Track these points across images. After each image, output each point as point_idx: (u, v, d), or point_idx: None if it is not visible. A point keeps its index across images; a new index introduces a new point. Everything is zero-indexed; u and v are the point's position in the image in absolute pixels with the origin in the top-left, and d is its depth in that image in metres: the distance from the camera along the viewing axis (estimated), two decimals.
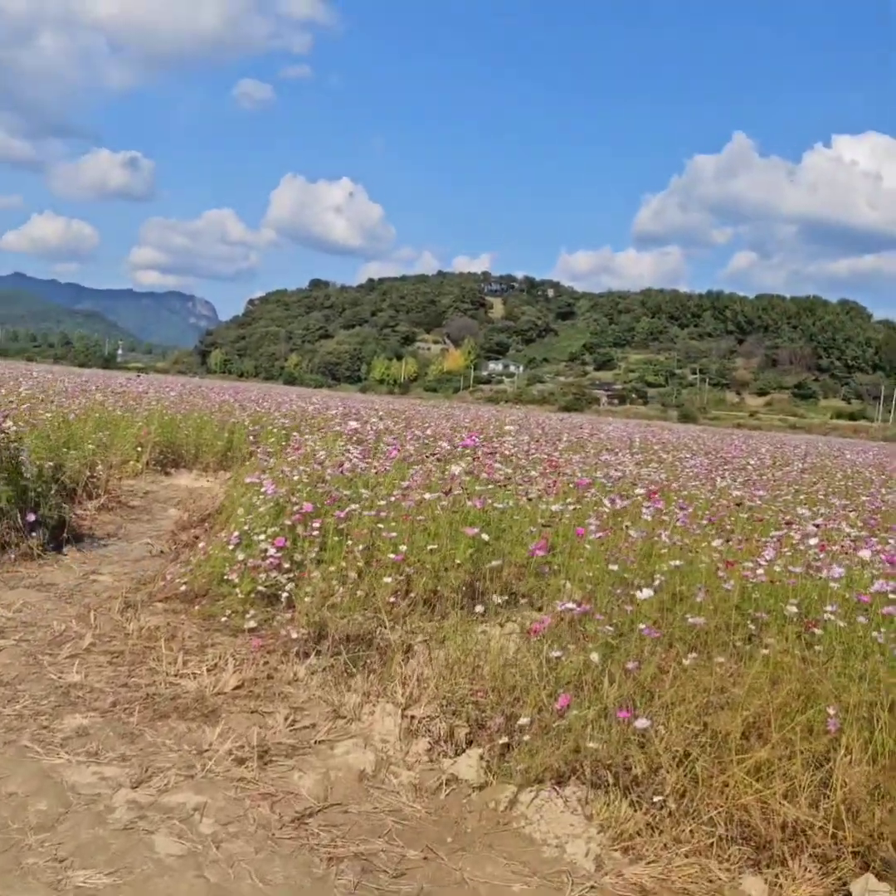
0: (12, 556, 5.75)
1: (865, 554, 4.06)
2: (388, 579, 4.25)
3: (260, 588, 4.51)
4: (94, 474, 8.52)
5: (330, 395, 39.95)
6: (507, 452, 8.52)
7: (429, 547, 4.55)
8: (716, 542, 4.32)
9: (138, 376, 29.50)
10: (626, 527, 4.72)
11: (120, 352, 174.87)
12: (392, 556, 4.43)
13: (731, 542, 5.16)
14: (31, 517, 5.89)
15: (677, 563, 4.00)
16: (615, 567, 4.01)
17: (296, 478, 5.24)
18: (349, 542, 4.57)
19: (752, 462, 11.83)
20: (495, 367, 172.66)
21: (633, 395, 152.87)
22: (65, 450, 8.27)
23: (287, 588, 4.44)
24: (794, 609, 3.76)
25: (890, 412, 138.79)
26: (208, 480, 11.25)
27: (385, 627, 4.39)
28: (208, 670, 3.82)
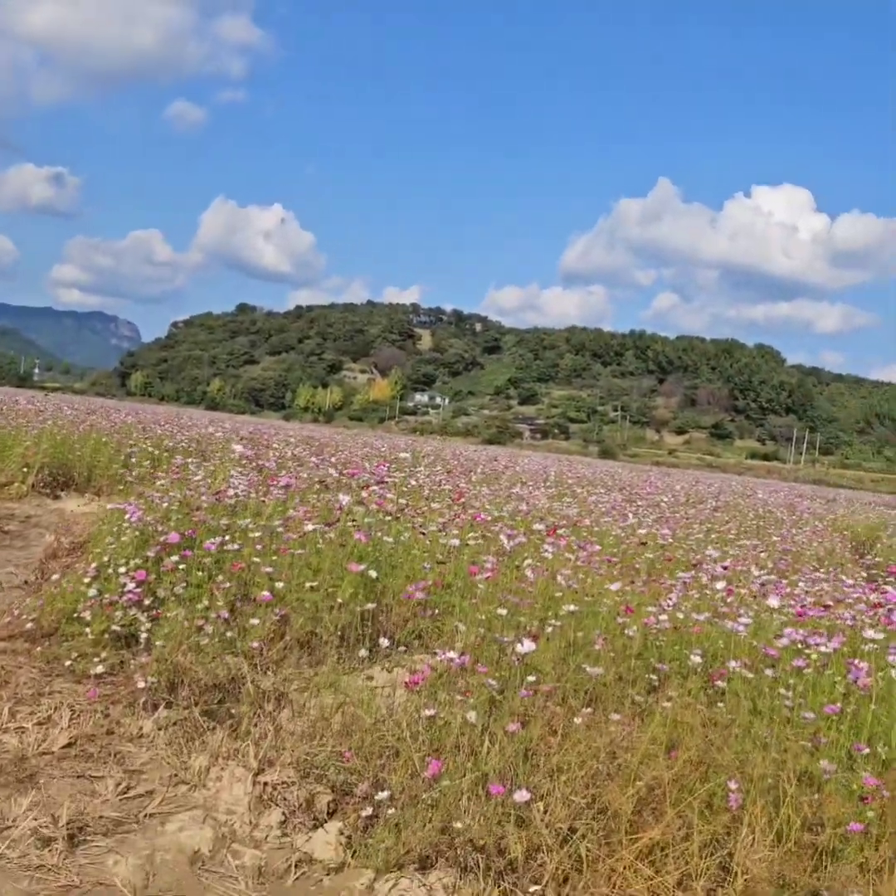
0: None
1: (773, 601, 3.78)
2: (255, 620, 3.80)
3: (115, 627, 4.01)
4: None
5: (250, 422, 39.10)
6: (413, 484, 8.16)
7: (308, 584, 4.12)
8: (614, 585, 3.99)
9: (46, 395, 28.25)
10: (521, 566, 4.37)
11: (36, 370, 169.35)
12: (264, 593, 3.99)
13: (635, 583, 4.85)
14: None
15: (573, 607, 3.65)
16: (504, 611, 3.64)
17: (166, 505, 4.75)
18: (220, 578, 4.11)
19: (665, 499, 11.68)
20: (421, 398, 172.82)
21: (556, 431, 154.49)
22: None
23: (145, 628, 3.96)
24: (698, 659, 3.45)
25: (801, 454, 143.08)
26: (99, 505, 10.59)
27: (256, 673, 3.95)
28: (39, 724, 3.30)
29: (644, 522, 8.61)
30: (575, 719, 2.96)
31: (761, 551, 8.08)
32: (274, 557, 4.36)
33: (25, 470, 10.01)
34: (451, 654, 3.25)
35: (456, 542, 4.97)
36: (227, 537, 4.36)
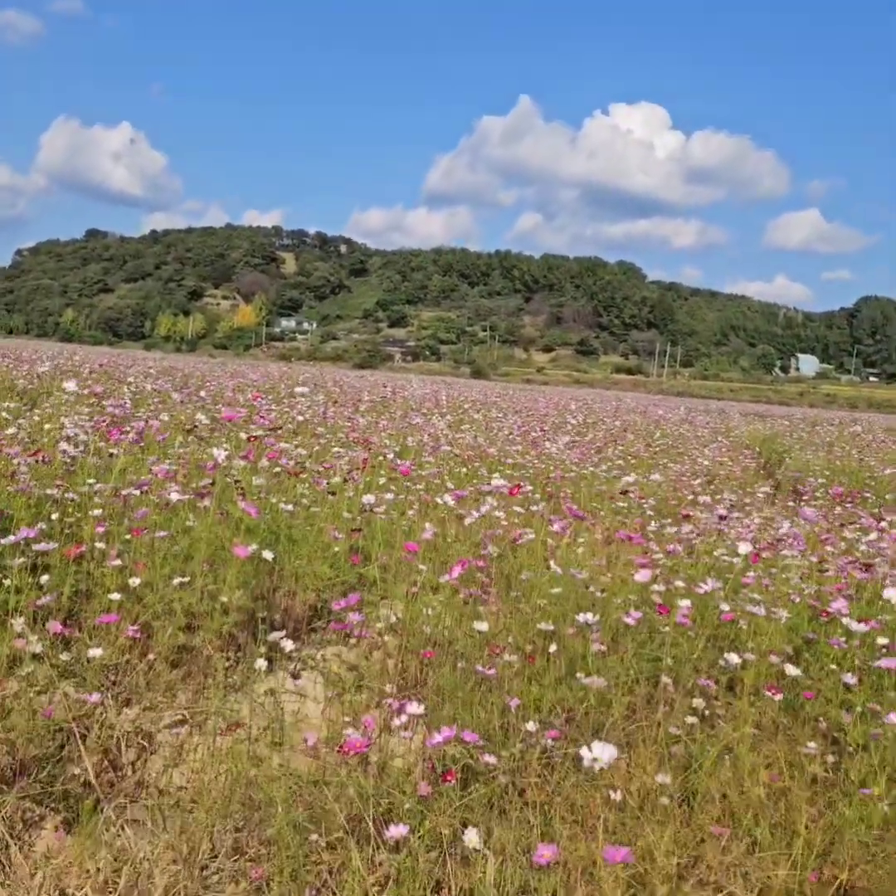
0: None
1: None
2: (94, 649, 2.58)
3: None
4: None
5: (106, 353, 36.30)
6: (300, 419, 6.91)
7: (177, 579, 2.92)
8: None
9: None
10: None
11: None
12: (113, 595, 2.78)
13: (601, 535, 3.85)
14: None
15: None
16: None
17: None
18: (45, 577, 2.84)
19: (571, 420, 10.83)
20: (288, 323, 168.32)
21: (427, 352, 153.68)
22: None
23: None
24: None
25: (663, 367, 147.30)
26: None
27: (108, 710, 2.76)
28: None
29: (560, 449, 7.69)
30: None
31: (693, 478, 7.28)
32: (127, 538, 3.12)
33: None
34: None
35: (369, 498, 3.83)
36: (56, 516, 3.08)
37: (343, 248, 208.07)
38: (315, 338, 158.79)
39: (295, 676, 3.50)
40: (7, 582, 2.72)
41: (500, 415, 11.87)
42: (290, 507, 3.31)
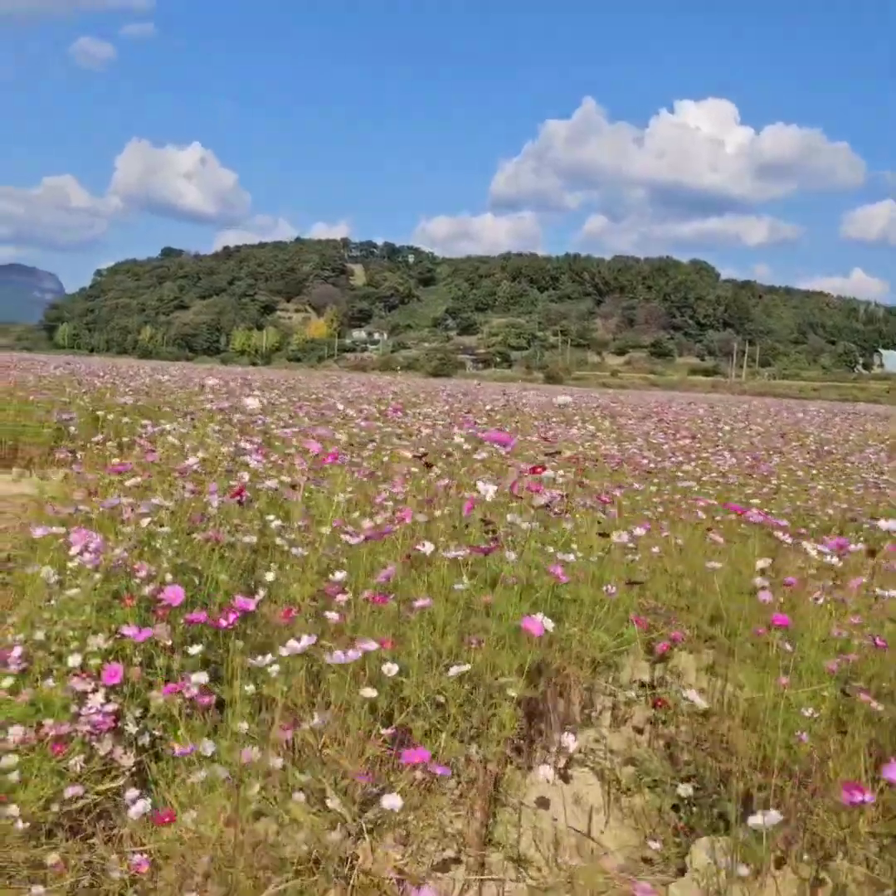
0: None
1: None
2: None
3: (73, 795, 1.94)
4: None
5: (190, 368, 36.34)
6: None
7: (454, 669, 2.08)
8: None
9: None
10: None
11: None
12: (367, 690, 1.97)
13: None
14: None
15: None
16: None
17: (143, 523, 2.58)
18: (272, 670, 2.03)
19: (723, 427, 9.79)
20: (359, 334, 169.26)
21: (498, 359, 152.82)
22: None
23: (135, 795, 1.89)
24: None
25: (742, 367, 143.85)
26: (31, 483, 8.35)
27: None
28: None
29: (741, 463, 6.73)
30: None
31: None
32: (366, 604, 2.30)
33: None
34: None
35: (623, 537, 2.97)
36: (269, 576, 2.29)
37: (411, 258, 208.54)
38: (386, 347, 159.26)
39: (564, 778, 2.66)
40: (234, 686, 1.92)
41: (625, 421, 10.93)
42: (569, 556, 2.46)
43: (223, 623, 2.07)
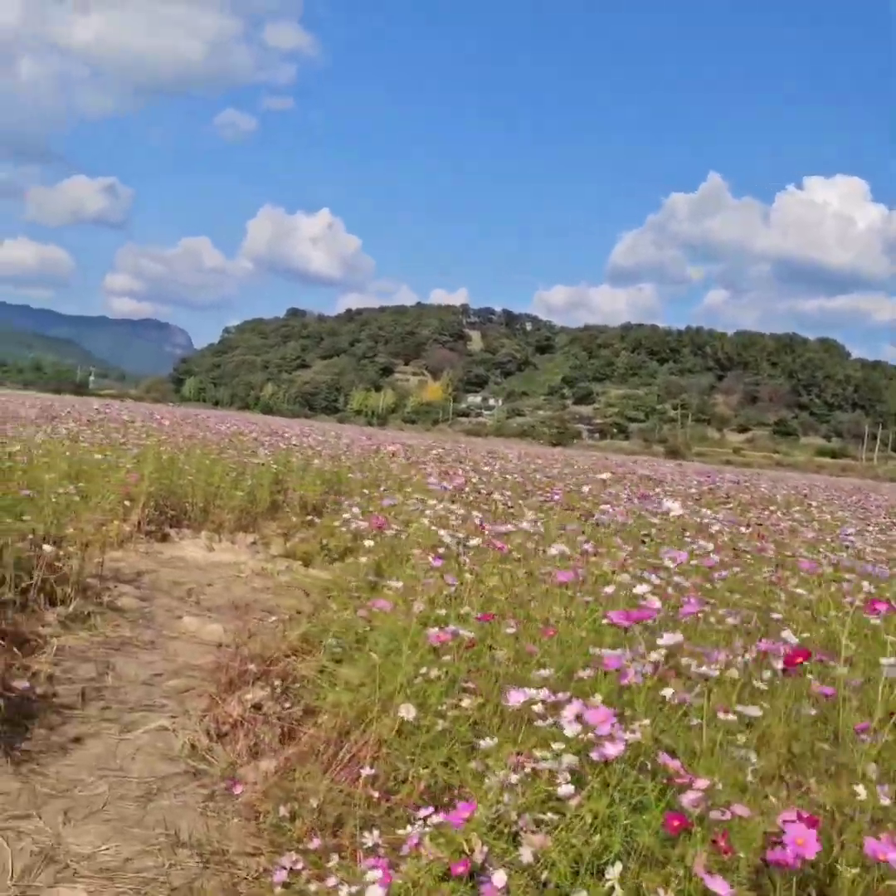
0: None
1: None
2: None
3: None
4: (61, 554, 5.06)
5: (316, 426, 36.47)
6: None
7: None
8: None
9: (122, 402, 25.83)
10: None
11: (92, 378, 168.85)
12: None
13: None
14: None
15: None
16: None
17: None
18: None
19: None
20: (474, 399, 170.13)
21: (615, 430, 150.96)
22: (12, 518, 4.79)
23: None
24: None
25: (873, 451, 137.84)
26: (228, 549, 7.80)
27: None
28: None
29: None
30: None
31: None
32: None
33: (128, 503, 7.22)
34: None
35: None
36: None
37: (528, 326, 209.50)
38: (501, 413, 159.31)
39: None
40: None
41: (833, 510, 9.77)
42: None
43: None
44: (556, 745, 1.71)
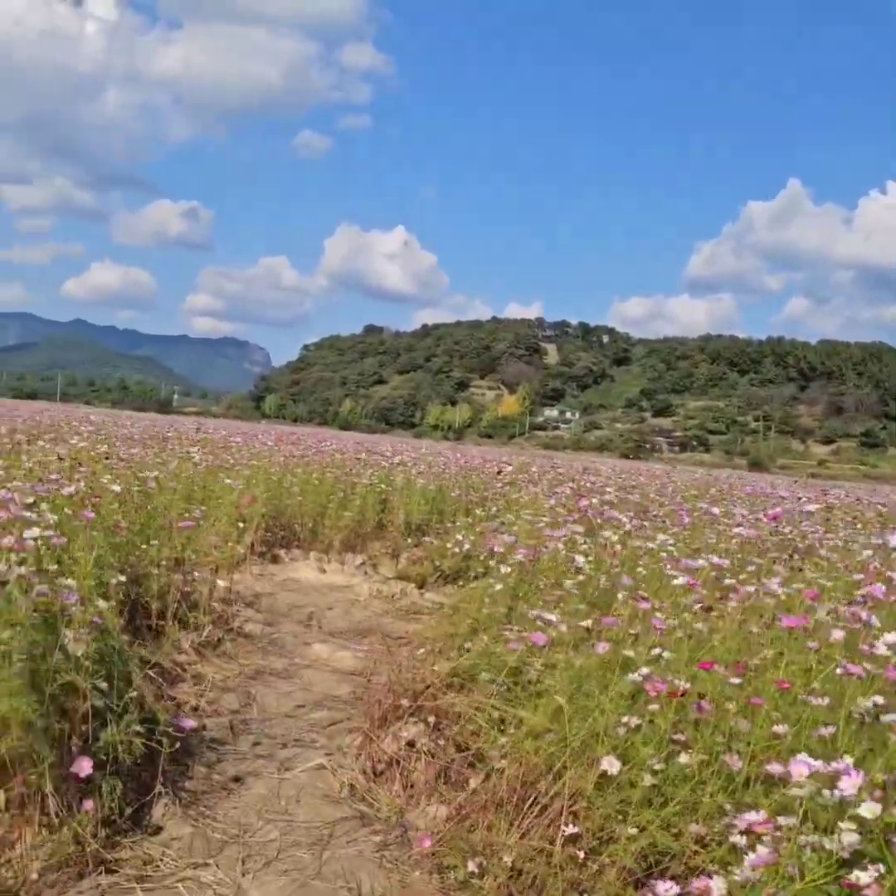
0: (35, 868, 2.21)
1: None
2: None
3: None
4: (189, 580, 5.02)
5: (392, 440, 36.51)
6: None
7: None
8: None
9: (212, 420, 26.26)
10: None
11: (175, 396, 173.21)
12: None
13: None
14: (84, 765, 2.34)
15: None
16: None
17: None
18: None
19: None
20: (551, 413, 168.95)
21: (695, 443, 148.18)
22: (144, 544, 4.76)
23: None
24: None
25: None
26: (338, 570, 7.73)
27: None
28: None
29: None
30: None
31: None
32: None
33: (241, 525, 7.18)
34: None
35: None
36: None
37: (605, 338, 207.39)
38: (578, 427, 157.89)
39: None
40: None
41: None
42: None
43: None
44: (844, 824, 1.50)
